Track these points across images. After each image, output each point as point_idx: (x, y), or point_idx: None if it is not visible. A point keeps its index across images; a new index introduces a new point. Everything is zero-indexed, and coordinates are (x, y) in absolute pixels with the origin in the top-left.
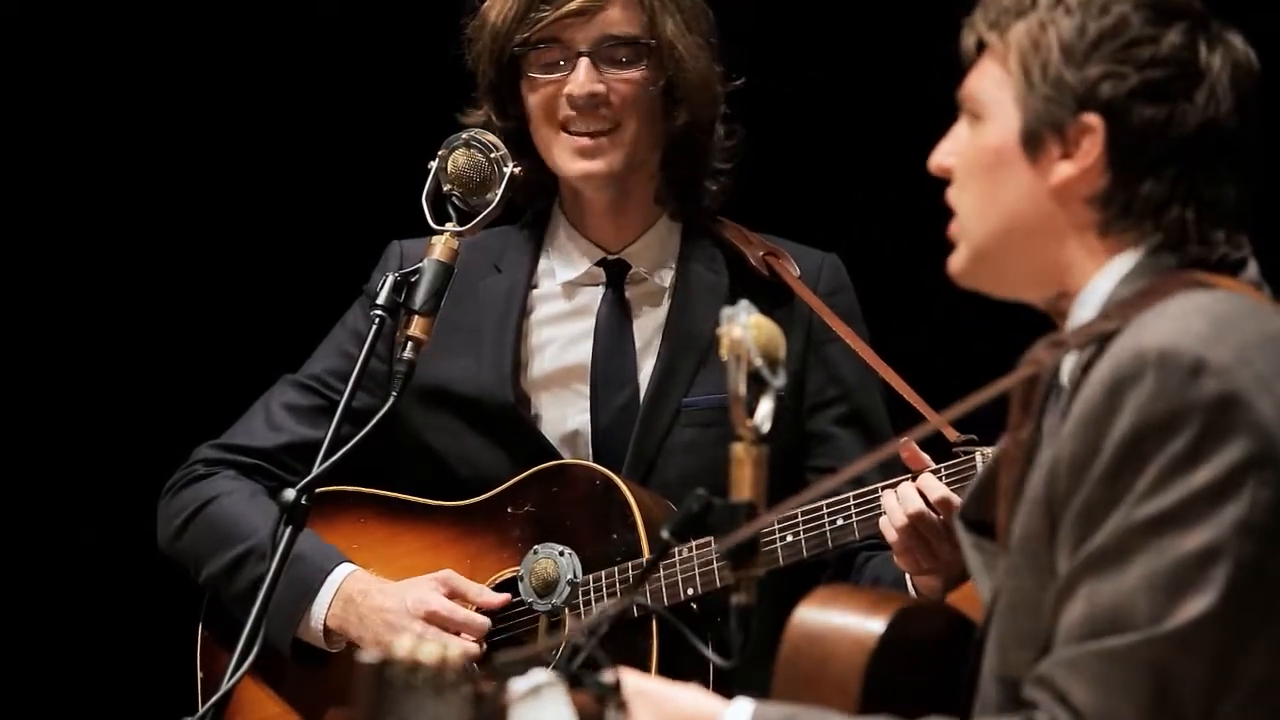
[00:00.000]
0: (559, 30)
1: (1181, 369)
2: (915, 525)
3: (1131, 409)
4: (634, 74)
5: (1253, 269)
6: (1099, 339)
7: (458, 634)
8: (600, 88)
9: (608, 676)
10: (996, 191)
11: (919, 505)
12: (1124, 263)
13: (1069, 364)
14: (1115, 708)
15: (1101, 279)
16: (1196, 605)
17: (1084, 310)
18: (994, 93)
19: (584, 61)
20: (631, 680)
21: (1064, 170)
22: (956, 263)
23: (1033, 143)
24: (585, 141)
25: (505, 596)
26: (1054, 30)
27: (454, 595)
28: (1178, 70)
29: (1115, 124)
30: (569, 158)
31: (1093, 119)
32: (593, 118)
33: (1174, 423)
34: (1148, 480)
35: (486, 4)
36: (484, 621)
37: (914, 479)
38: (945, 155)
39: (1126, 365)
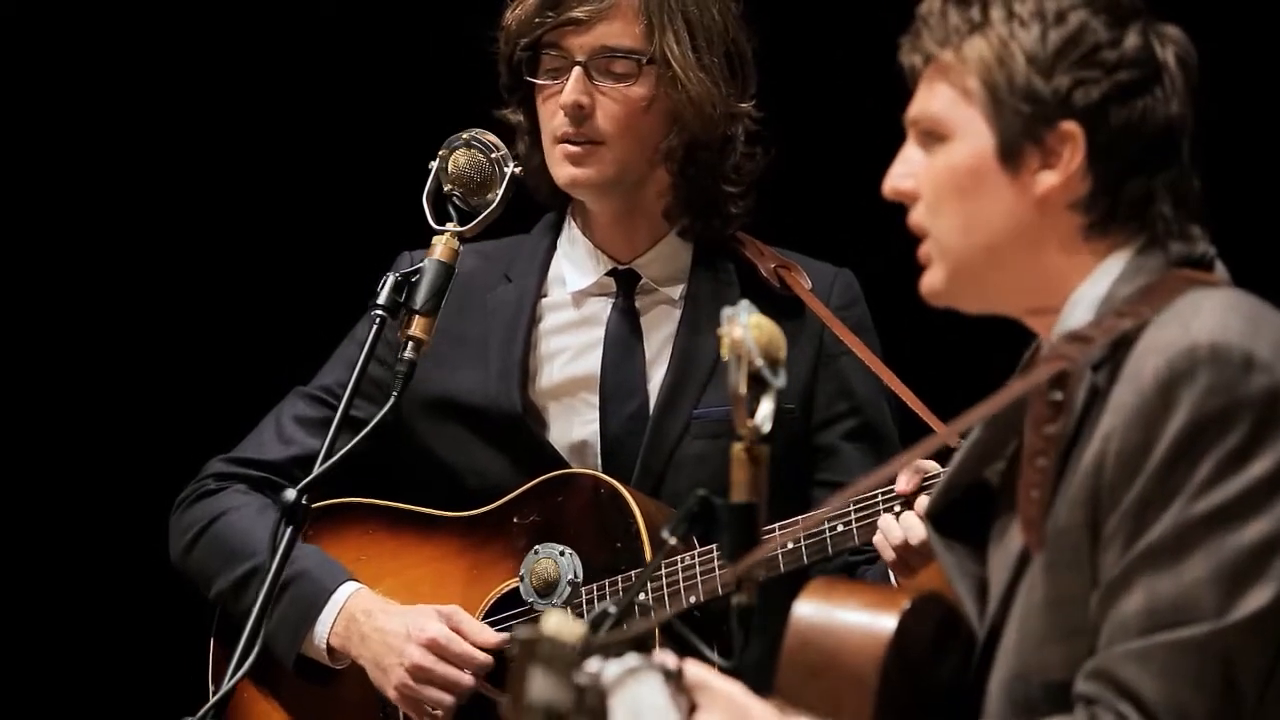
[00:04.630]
0: (560, 37)
1: (1234, 364)
2: (903, 553)
3: (1187, 404)
4: (625, 89)
5: (1221, 266)
6: (1122, 337)
7: (453, 665)
8: (586, 99)
9: (670, 662)
10: (977, 208)
11: (901, 539)
12: (1115, 264)
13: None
14: (1187, 700)
15: (1094, 281)
16: (1260, 597)
17: (1077, 312)
18: (957, 110)
19: (576, 71)
20: (709, 679)
21: (1047, 180)
22: (934, 282)
23: (1011, 156)
24: (571, 149)
25: (505, 636)
26: (1016, 43)
27: (454, 630)
28: (1142, 70)
29: (1094, 129)
30: (557, 163)
31: (1072, 126)
32: (579, 128)
33: (1229, 418)
34: (1204, 474)
35: (508, 7)
36: (483, 658)
37: (904, 508)
38: (901, 179)
39: (1179, 360)
